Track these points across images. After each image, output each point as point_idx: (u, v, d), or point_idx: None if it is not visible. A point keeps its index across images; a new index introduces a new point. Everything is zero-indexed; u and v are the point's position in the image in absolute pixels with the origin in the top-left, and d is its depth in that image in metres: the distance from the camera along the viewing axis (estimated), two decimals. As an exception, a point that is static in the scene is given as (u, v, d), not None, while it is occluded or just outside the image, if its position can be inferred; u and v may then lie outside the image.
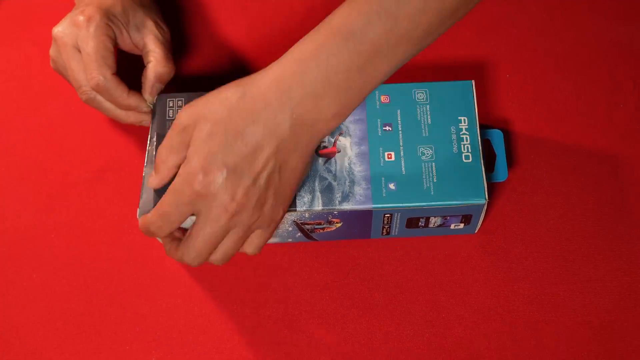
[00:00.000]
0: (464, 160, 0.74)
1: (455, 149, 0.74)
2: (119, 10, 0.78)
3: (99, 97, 0.77)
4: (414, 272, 0.78)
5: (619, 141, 0.83)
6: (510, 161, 0.82)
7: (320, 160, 0.74)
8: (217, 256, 0.70)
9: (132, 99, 0.77)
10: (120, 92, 0.76)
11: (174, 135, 0.68)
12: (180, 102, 0.77)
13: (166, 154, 0.68)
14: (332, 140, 0.75)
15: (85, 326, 0.77)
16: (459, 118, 0.76)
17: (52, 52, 0.78)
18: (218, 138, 0.66)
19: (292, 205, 0.73)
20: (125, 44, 0.80)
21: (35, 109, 0.86)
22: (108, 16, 0.76)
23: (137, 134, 0.84)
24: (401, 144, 0.75)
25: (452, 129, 0.75)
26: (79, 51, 0.76)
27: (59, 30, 0.77)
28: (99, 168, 0.83)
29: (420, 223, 0.76)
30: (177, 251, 0.70)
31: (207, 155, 0.66)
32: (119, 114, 0.79)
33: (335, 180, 0.73)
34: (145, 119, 0.79)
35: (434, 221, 0.75)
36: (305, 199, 0.73)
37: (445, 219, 0.75)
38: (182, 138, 0.67)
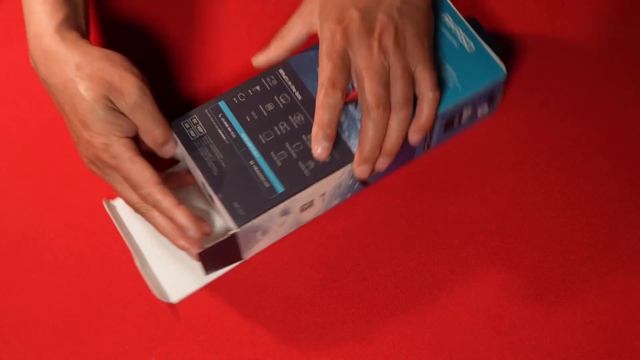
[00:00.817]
0: (469, 52, 0.79)
1: (456, 44, 0.79)
2: (109, 112, 0.72)
3: (155, 212, 0.73)
4: (414, 271, 0.78)
5: (619, 141, 0.83)
6: (513, 161, 0.82)
7: (351, 107, 0.76)
8: (397, 96, 0.73)
9: (179, 213, 0.72)
10: (167, 203, 0.72)
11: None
12: (194, 120, 0.76)
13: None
14: (354, 86, 0.76)
15: (85, 326, 0.77)
16: (444, 19, 0.81)
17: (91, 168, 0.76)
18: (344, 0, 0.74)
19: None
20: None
21: (35, 109, 0.86)
22: (116, 131, 0.72)
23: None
24: None
25: (444, 30, 0.80)
26: (117, 172, 0.73)
27: (96, 170, 0.75)
28: (99, 168, 0.83)
29: (454, 123, 0.80)
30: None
31: (337, 9, 0.73)
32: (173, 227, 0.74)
33: None
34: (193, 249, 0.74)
35: (466, 115, 0.80)
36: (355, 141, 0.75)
37: (475, 107, 0.80)
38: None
